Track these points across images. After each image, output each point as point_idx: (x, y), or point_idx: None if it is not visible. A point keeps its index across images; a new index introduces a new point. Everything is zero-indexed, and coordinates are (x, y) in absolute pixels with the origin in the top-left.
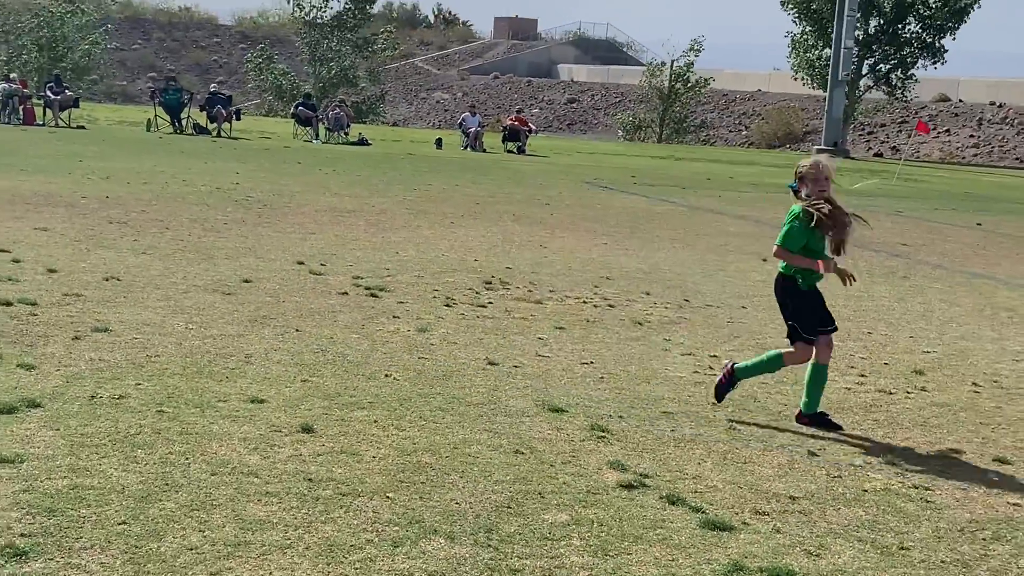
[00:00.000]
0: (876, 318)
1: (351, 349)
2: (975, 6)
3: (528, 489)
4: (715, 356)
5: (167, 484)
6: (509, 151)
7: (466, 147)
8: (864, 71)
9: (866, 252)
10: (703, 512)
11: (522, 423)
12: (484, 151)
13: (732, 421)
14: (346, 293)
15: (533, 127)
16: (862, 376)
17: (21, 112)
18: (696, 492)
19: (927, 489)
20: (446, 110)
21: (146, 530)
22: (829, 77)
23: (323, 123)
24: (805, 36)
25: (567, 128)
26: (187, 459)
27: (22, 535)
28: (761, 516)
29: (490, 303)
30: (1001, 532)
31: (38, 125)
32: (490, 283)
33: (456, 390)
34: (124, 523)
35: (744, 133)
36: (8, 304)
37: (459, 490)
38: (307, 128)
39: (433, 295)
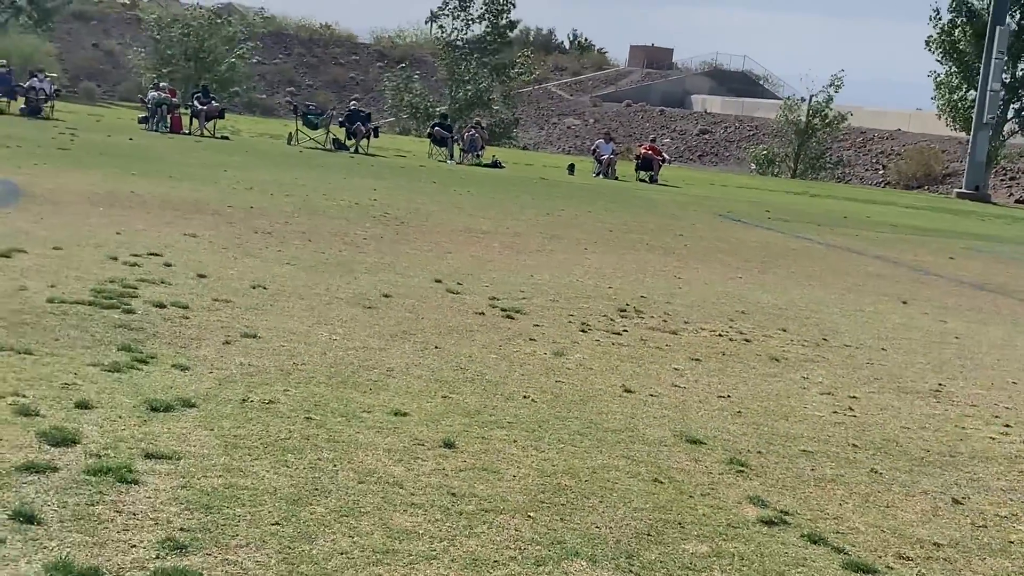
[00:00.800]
0: (1020, 368)
1: (489, 369)
2: None
3: (668, 518)
4: (854, 397)
5: (317, 489)
6: (641, 180)
7: (598, 174)
8: (1010, 115)
9: (1010, 300)
10: (846, 553)
11: (660, 452)
12: (616, 179)
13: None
14: (483, 313)
15: (666, 156)
16: (1007, 426)
17: (169, 120)
18: (838, 533)
19: None
20: (577, 136)
21: (298, 532)
22: (973, 119)
23: (458, 144)
24: (950, 76)
25: (698, 159)
26: (335, 466)
27: (181, 529)
28: (905, 561)
29: (625, 331)
30: None
31: (184, 134)
32: (625, 311)
33: (593, 415)
34: (277, 524)
35: (881, 172)
36: (162, 306)
37: (599, 514)
38: (442, 148)
39: (568, 320)
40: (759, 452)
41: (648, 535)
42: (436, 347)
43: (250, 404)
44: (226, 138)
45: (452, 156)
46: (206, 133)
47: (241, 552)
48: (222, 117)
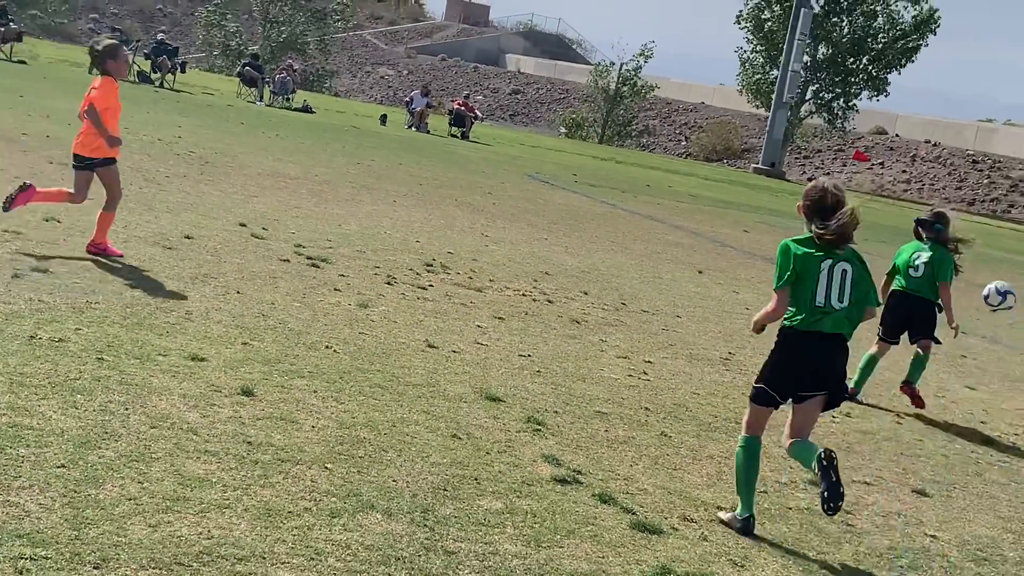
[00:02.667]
0: None
1: (292, 317)
2: (923, 45)
3: (464, 474)
4: (649, 362)
5: (106, 432)
6: (453, 135)
7: (410, 126)
8: (808, 96)
9: None
10: (634, 513)
11: (460, 408)
12: (428, 132)
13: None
14: (288, 260)
15: (479, 113)
16: None
17: None
18: (627, 493)
19: (848, 513)
20: (390, 86)
21: (85, 476)
22: (774, 98)
23: (268, 86)
24: (756, 54)
25: (510, 119)
26: (127, 409)
27: None
28: (689, 523)
29: (431, 286)
30: (918, 561)
31: None
32: (431, 266)
33: (395, 369)
34: (63, 466)
35: (684, 144)
36: None
37: (396, 468)
38: (252, 89)
39: (374, 271)
40: (556, 412)
41: (444, 490)
42: (238, 292)
43: (38, 342)
44: (23, 62)
45: (261, 98)
46: (2, 56)
47: (24, 494)
48: (20, 40)
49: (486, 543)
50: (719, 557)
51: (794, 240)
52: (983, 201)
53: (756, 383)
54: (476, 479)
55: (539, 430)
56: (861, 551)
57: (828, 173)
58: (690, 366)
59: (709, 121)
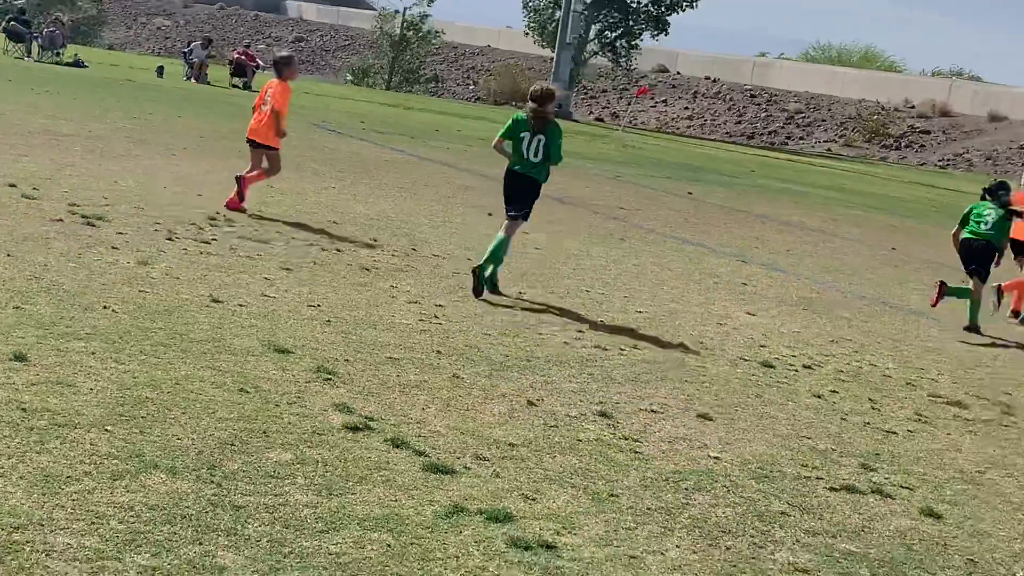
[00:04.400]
0: (593, 277)
1: (67, 278)
2: None
3: (252, 428)
4: (440, 305)
5: None
6: (235, 86)
7: (189, 78)
8: (592, 36)
9: (586, 212)
10: (426, 456)
11: (247, 362)
12: (208, 83)
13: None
14: (61, 220)
15: (260, 62)
16: (579, 332)
17: None
18: (420, 436)
19: (636, 441)
20: (167, 37)
21: None
22: (558, 39)
23: (37, 41)
24: None
25: None
26: None
27: None
28: (481, 461)
29: (214, 240)
30: (702, 483)
31: None
32: (215, 219)
33: (179, 326)
34: None
35: (473, 88)
36: None
37: (181, 426)
38: (19, 45)
39: (155, 228)
40: (347, 360)
41: (232, 445)
42: (8, 255)
43: None
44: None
45: (30, 53)
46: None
47: None
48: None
49: (276, 495)
50: (511, 492)
51: (520, 114)
52: (761, 134)
53: None
54: (265, 432)
55: (329, 379)
56: (648, 476)
57: (615, 112)
58: (481, 307)
59: (496, 64)
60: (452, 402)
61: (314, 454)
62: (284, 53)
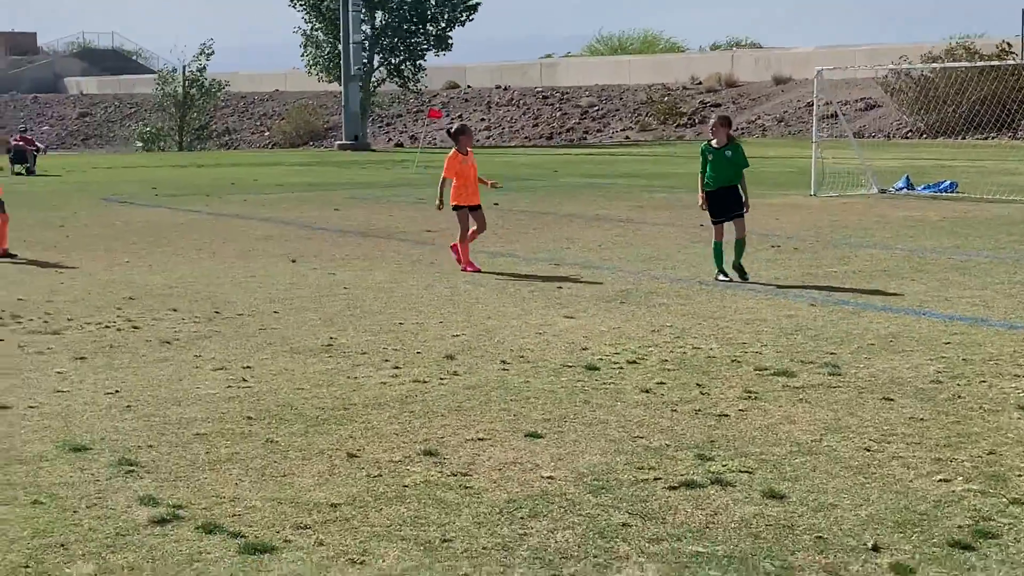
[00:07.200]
0: (406, 307)
1: None
2: (479, 3)
3: (49, 543)
4: (248, 367)
5: None
6: (18, 173)
7: None
8: (376, 64)
9: (392, 242)
10: (243, 536)
11: (40, 469)
12: None
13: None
14: None
15: (40, 145)
16: (396, 368)
17: None
18: (234, 515)
19: (465, 475)
20: None
21: None
22: (343, 72)
23: None
24: (316, 31)
25: (83, 143)
26: None
27: None
28: (303, 530)
29: (1, 340)
30: (538, 508)
31: None
32: (0, 318)
33: None
34: None
35: (267, 134)
36: None
37: None
38: None
39: None
40: (150, 446)
41: (27, 568)
42: None
43: None
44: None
45: None
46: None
47: None
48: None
49: None
50: (337, 559)
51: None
52: (560, 133)
53: None
54: (63, 544)
55: (132, 471)
56: (481, 512)
57: (413, 136)
58: (292, 361)
59: (287, 107)
60: (267, 470)
61: (119, 560)
62: (456, 125)
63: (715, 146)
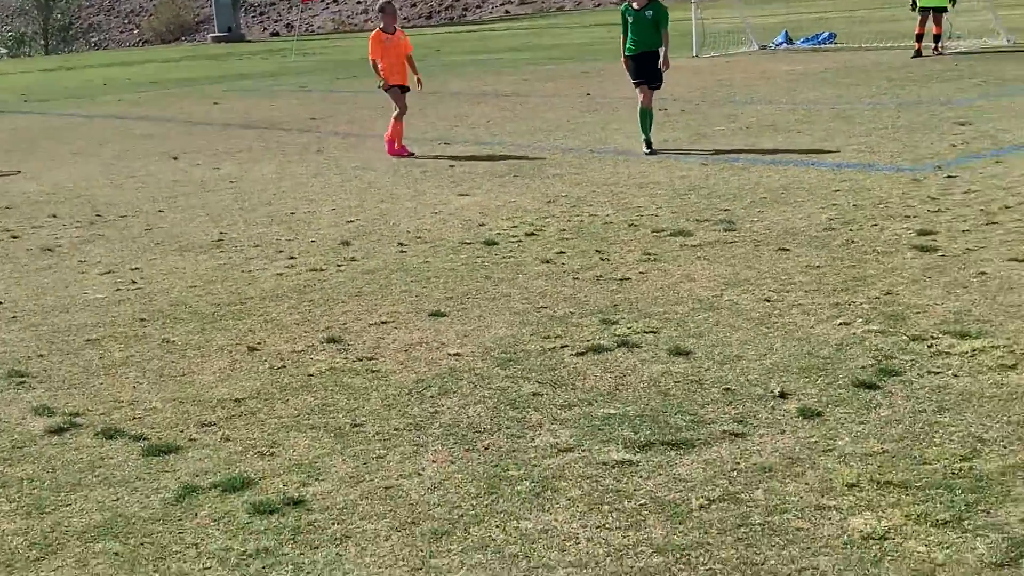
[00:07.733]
0: (296, 197)
1: None
2: None
3: None
4: (137, 268)
5: None
6: None
7: None
8: None
9: (277, 132)
10: (145, 439)
11: None
12: None
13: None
14: None
15: None
16: (291, 259)
17: None
18: (135, 419)
19: (371, 359)
20: None
21: None
22: None
23: None
24: None
25: None
26: None
27: None
28: (207, 428)
29: None
30: (447, 386)
31: None
32: None
33: None
34: None
35: (136, 32)
36: None
37: None
38: None
39: None
40: (40, 355)
41: None
42: None
43: None
44: None
45: None
46: None
47: None
48: None
49: None
50: (246, 453)
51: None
52: (439, 12)
53: None
54: None
55: (24, 382)
56: (390, 394)
57: (288, 24)
58: (182, 260)
59: (154, 2)
60: (165, 371)
61: (16, 472)
62: (380, 3)
63: (635, 7)
